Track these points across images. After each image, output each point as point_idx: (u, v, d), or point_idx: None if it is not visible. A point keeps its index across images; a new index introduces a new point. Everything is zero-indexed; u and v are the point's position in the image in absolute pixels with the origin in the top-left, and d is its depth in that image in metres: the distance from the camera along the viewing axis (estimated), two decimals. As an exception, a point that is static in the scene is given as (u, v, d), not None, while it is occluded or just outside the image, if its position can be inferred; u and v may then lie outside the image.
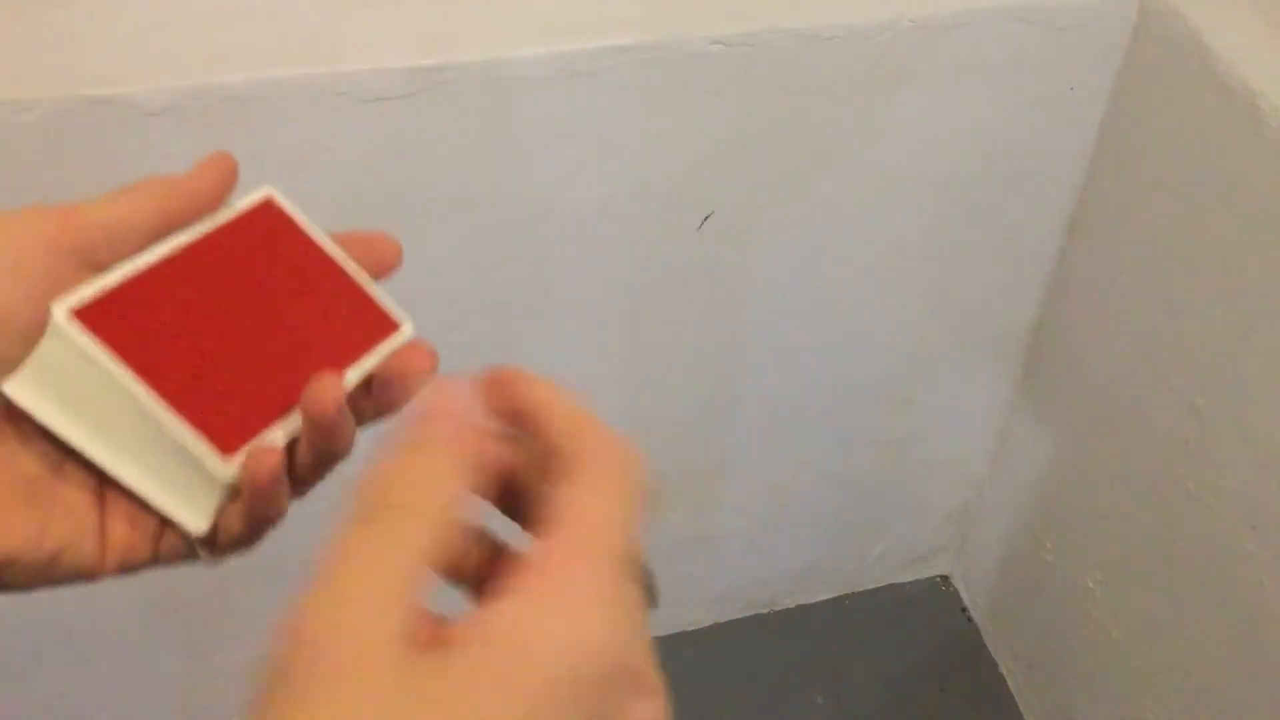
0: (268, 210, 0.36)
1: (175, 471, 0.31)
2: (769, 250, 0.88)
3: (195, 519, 0.32)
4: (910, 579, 1.32)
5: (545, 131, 0.74)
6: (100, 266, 0.31)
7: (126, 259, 0.32)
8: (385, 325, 0.36)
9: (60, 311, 0.29)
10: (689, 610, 1.24)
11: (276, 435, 0.32)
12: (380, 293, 0.36)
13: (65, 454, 0.32)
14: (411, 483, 0.26)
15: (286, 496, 0.32)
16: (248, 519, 0.32)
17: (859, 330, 0.98)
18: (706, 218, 0.83)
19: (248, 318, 0.33)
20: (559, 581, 0.24)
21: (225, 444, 0.31)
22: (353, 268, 0.36)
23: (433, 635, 0.23)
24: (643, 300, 0.88)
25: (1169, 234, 0.83)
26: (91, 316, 0.30)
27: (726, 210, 0.83)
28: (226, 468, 0.31)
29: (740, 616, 1.27)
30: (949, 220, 0.90)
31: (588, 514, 0.25)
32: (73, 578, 0.31)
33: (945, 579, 1.32)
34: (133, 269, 0.32)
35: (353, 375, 0.34)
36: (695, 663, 1.23)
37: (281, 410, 0.32)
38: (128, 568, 0.32)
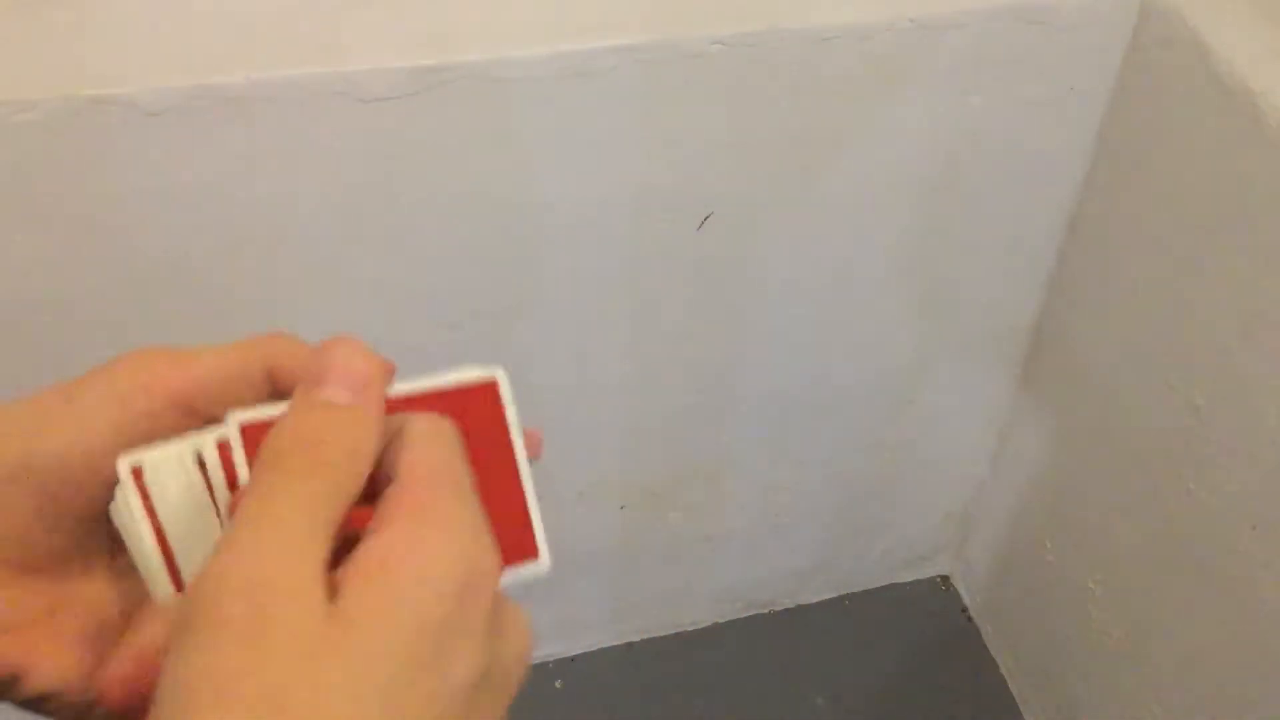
0: (486, 394, 0.33)
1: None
2: (769, 250, 0.88)
3: None
4: (910, 579, 1.32)
5: (545, 131, 0.74)
6: (199, 416, 0.30)
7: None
8: (527, 548, 0.34)
9: (123, 467, 0.29)
10: (689, 610, 1.24)
11: None
12: (538, 515, 0.34)
13: (140, 601, 0.31)
14: (342, 443, 0.27)
15: None
16: None
17: (859, 330, 0.98)
18: (706, 218, 0.83)
19: None
20: (420, 511, 0.26)
21: None
22: (529, 484, 0.34)
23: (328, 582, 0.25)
24: (643, 300, 0.88)
25: (1169, 234, 0.83)
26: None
27: (726, 210, 0.83)
28: None
29: (740, 616, 1.27)
30: (949, 220, 0.90)
31: (426, 460, 0.28)
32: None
33: (945, 579, 1.32)
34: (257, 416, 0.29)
35: None
36: (695, 663, 1.23)
37: None
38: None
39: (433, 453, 0.28)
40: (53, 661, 0.29)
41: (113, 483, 0.29)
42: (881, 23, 0.75)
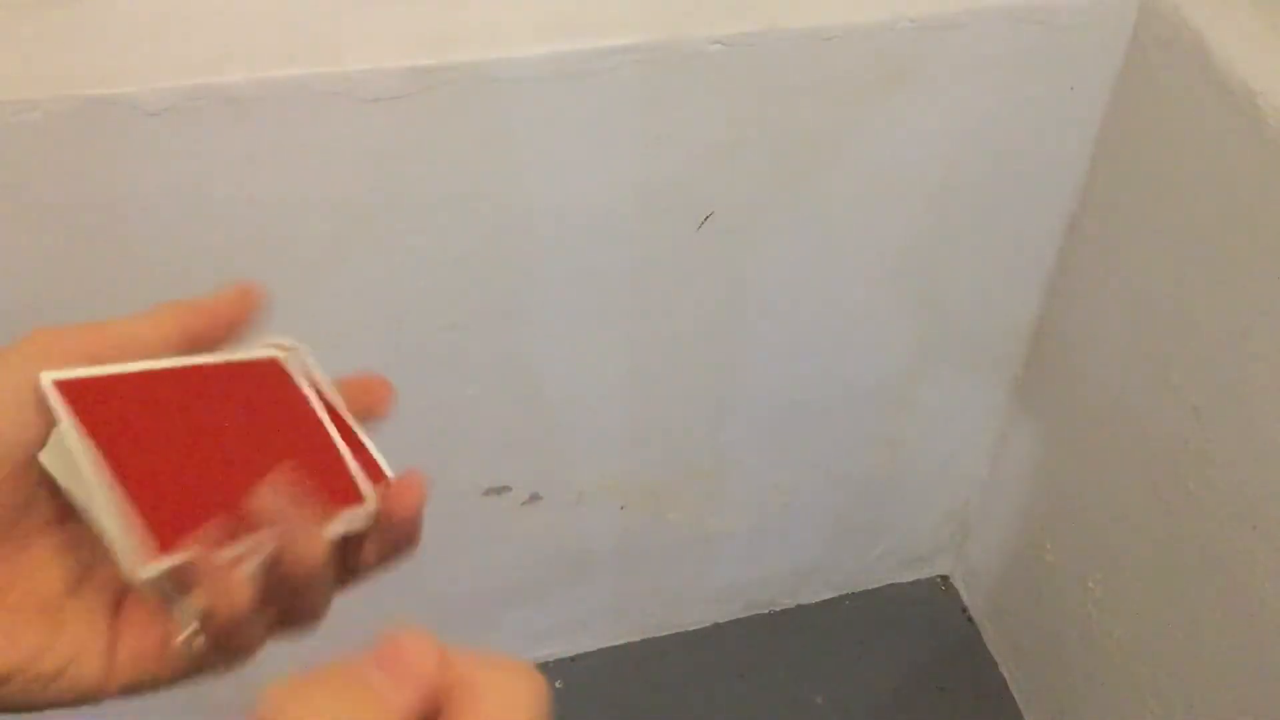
0: (273, 366, 0.36)
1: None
2: (769, 250, 0.88)
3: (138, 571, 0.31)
4: (910, 579, 1.32)
5: (545, 132, 0.74)
6: None
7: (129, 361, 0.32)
8: (350, 495, 0.35)
9: (46, 379, 0.30)
10: (689, 610, 1.24)
11: (240, 552, 0.31)
12: (353, 463, 0.36)
13: (86, 572, 0.32)
14: None
15: (257, 632, 0.32)
16: (213, 641, 0.32)
17: (859, 330, 0.98)
18: (706, 218, 0.83)
19: (228, 444, 0.33)
20: None
21: (165, 542, 0.30)
22: (337, 437, 0.36)
23: None
24: (643, 301, 0.88)
25: (1169, 234, 0.83)
26: (75, 392, 0.30)
27: (726, 210, 0.83)
28: (146, 567, 0.30)
29: (740, 616, 1.27)
30: (949, 220, 0.90)
31: None
32: (74, 698, 0.31)
33: (945, 579, 1.32)
34: (131, 368, 0.32)
35: (333, 528, 0.33)
36: (695, 663, 1.23)
37: (244, 531, 0.32)
38: (136, 684, 0.32)
39: None
40: (18, 637, 0.29)
41: (33, 461, 0.30)
42: (881, 23, 0.75)
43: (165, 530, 0.30)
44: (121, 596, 0.32)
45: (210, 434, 0.33)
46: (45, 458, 0.30)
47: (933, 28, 0.76)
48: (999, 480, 1.17)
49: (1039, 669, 1.16)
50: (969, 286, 0.97)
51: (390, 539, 0.35)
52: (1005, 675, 1.23)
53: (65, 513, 0.31)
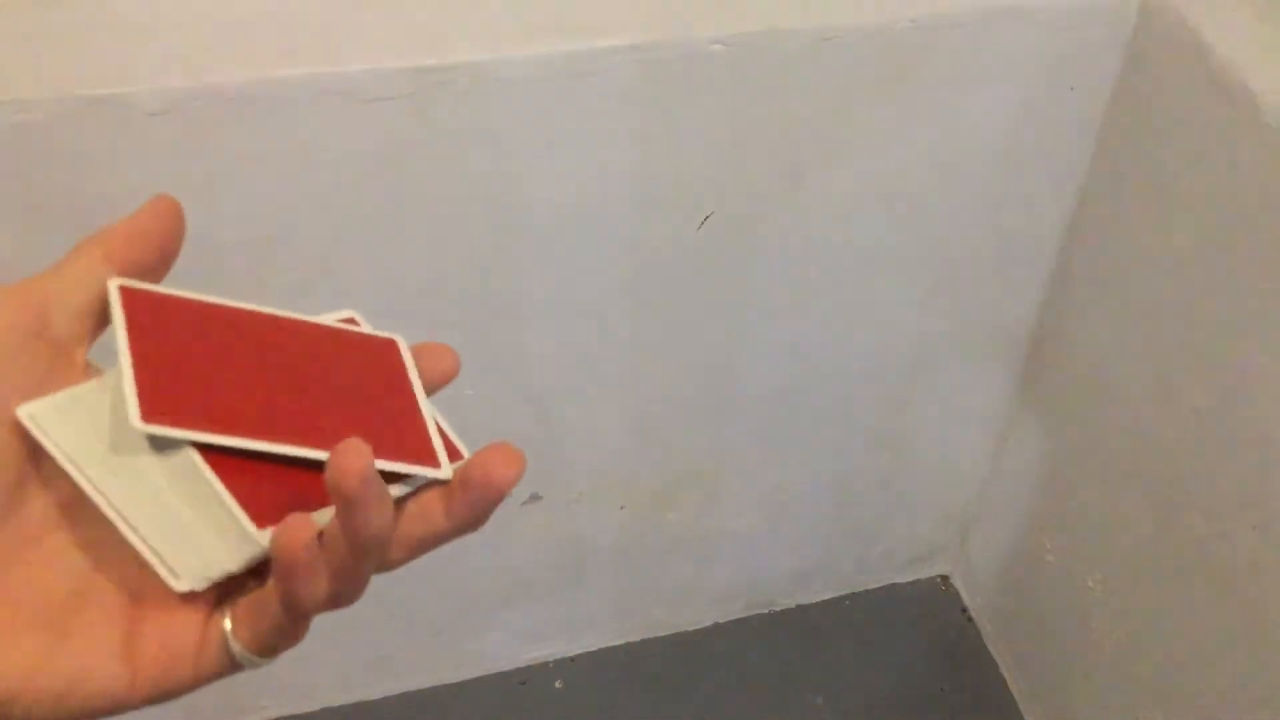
0: (351, 323, 0.36)
1: (184, 528, 0.29)
2: (769, 250, 0.88)
3: (183, 579, 0.29)
4: (910, 579, 1.32)
5: (545, 131, 0.74)
6: (63, 340, 0.30)
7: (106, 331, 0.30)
8: (427, 457, 0.33)
9: (111, 283, 0.30)
10: (689, 610, 1.24)
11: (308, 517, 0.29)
12: (434, 427, 0.35)
13: (91, 575, 0.30)
14: None
15: (321, 582, 0.29)
16: (283, 603, 0.29)
17: (858, 330, 0.98)
18: (706, 218, 0.83)
19: (293, 380, 0.32)
20: None
21: (259, 518, 0.29)
22: (423, 397, 0.36)
23: None
24: (642, 300, 0.88)
25: (1169, 234, 0.83)
26: (136, 300, 0.30)
27: (726, 210, 0.83)
28: (262, 535, 0.29)
29: (740, 616, 1.27)
30: (949, 220, 0.90)
31: None
32: (95, 711, 0.29)
33: (945, 579, 1.32)
34: (204, 298, 0.31)
35: (383, 465, 0.31)
36: (695, 663, 1.23)
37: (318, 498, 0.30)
38: (164, 691, 0.30)
39: None
40: (8, 657, 0.28)
41: (6, 429, 0.28)
42: (881, 23, 0.75)
43: (252, 502, 0.29)
44: (138, 597, 0.30)
45: (277, 369, 0.32)
46: (25, 411, 0.28)
47: (933, 28, 0.76)
48: (999, 480, 1.17)
49: (1039, 669, 1.16)
50: (969, 286, 0.97)
51: (465, 511, 0.31)
52: (1005, 675, 1.23)
53: (60, 519, 0.30)
